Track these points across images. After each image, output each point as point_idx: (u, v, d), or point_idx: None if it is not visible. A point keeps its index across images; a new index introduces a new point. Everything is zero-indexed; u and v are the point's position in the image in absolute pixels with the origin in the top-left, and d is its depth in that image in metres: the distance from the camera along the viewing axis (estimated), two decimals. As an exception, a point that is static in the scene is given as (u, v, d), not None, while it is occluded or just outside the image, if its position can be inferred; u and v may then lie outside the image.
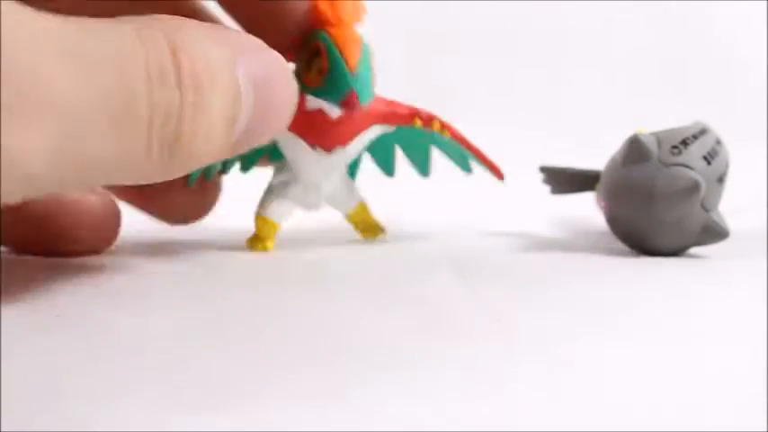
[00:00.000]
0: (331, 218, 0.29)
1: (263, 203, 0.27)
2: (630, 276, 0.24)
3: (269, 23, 0.23)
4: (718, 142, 0.27)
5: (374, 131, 0.26)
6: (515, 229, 0.32)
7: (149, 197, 0.26)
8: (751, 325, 0.18)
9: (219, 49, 0.16)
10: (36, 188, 0.14)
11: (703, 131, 0.26)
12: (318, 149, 0.25)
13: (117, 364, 0.16)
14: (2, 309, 0.19)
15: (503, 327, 0.18)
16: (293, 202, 0.27)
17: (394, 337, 0.17)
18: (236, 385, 0.14)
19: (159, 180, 0.17)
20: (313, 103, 0.24)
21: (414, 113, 0.27)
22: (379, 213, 0.29)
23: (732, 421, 0.13)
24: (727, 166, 0.27)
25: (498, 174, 0.28)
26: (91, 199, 0.24)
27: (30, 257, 0.25)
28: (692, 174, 0.25)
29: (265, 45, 0.18)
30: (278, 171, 0.27)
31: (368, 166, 0.29)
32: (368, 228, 0.28)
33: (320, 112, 0.25)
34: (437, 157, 0.29)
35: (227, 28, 0.18)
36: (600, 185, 0.28)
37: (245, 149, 0.18)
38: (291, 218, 0.27)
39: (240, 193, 0.28)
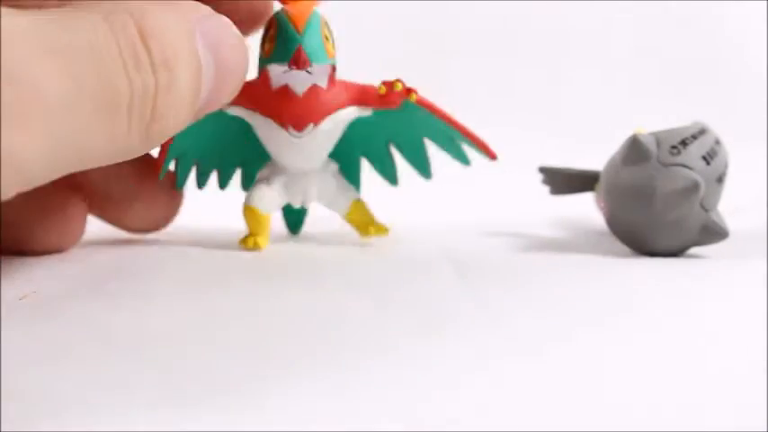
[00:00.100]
0: (331, 218, 0.29)
1: (249, 193, 0.27)
2: (630, 276, 0.24)
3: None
4: (718, 142, 0.27)
5: (349, 113, 0.26)
6: (515, 229, 0.32)
7: (109, 206, 0.26)
8: (751, 325, 0.18)
9: (179, 23, 0.17)
10: (30, 182, 0.15)
11: (702, 131, 0.26)
12: (291, 130, 0.25)
13: (116, 363, 0.16)
14: (2, 309, 0.19)
15: (502, 326, 0.18)
16: (279, 191, 0.27)
17: (394, 337, 0.17)
18: (235, 385, 0.14)
19: (134, 156, 0.17)
20: (277, 80, 0.25)
21: (382, 85, 0.26)
22: (379, 213, 0.29)
23: (732, 421, 0.13)
24: (726, 166, 0.27)
25: (491, 154, 0.28)
26: (56, 197, 0.25)
27: (30, 257, 0.25)
28: (692, 174, 0.25)
29: (212, 10, 0.19)
30: (266, 165, 0.27)
31: (367, 165, 0.29)
32: (367, 226, 0.28)
33: (286, 88, 0.25)
34: (438, 156, 0.29)
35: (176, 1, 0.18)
36: (599, 186, 0.28)
37: (205, 114, 0.19)
38: (278, 208, 0.27)
39: (240, 194, 0.28)
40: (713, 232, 0.25)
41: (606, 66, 0.56)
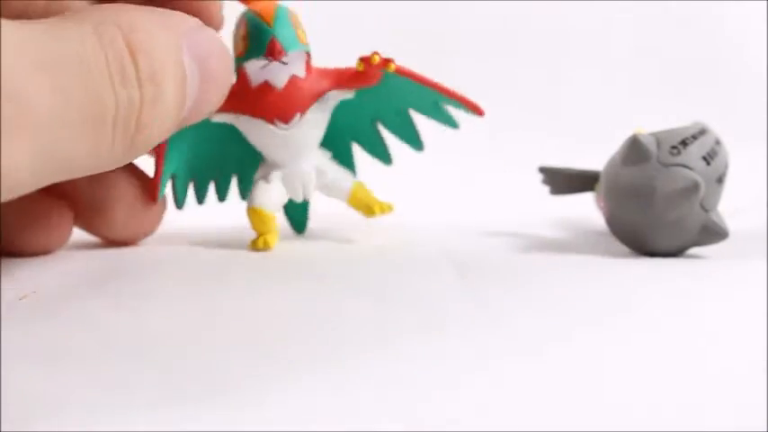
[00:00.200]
0: (332, 218, 0.29)
1: (250, 195, 0.27)
2: (630, 276, 0.24)
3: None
4: (718, 142, 0.27)
5: (332, 98, 0.26)
6: (515, 229, 0.32)
7: (91, 215, 0.26)
8: (751, 325, 0.18)
9: (167, 36, 0.17)
10: (15, 191, 0.15)
11: (702, 132, 0.26)
12: (278, 123, 0.26)
13: (116, 363, 0.16)
14: (2, 309, 0.19)
15: (502, 326, 0.18)
16: (279, 188, 0.27)
17: (394, 337, 0.17)
18: (235, 385, 0.14)
19: (117, 166, 0.18)
20: (256, 77, 0.25)
21: (360, 61, 0.26)
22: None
23: (732, 421, 0.13)
24: (726, 166, 0.27)
25: (477, 110, 0.27)
26: (41, 203, 0.25)
27: (30, 258, 0.25)
28: (692, 174, 0.25)
29: (201, 23, 0.19)
30: (261, 166, 0.27)
31: (364, 162, 0.29)
32: (371, 207, 0.28)
33: (266, 84, 0.25)
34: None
35: (167, 11, 0.18)
36: (599, 186, 0.28)
37: (189, 124, 0.19)
38: (281, 205, 0.27)
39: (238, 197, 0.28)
40: (713, 232, 0.25)
41: (606, 66, 0.56)
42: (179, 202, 0.27)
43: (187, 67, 0.18)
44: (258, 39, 0.24)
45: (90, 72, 0.16)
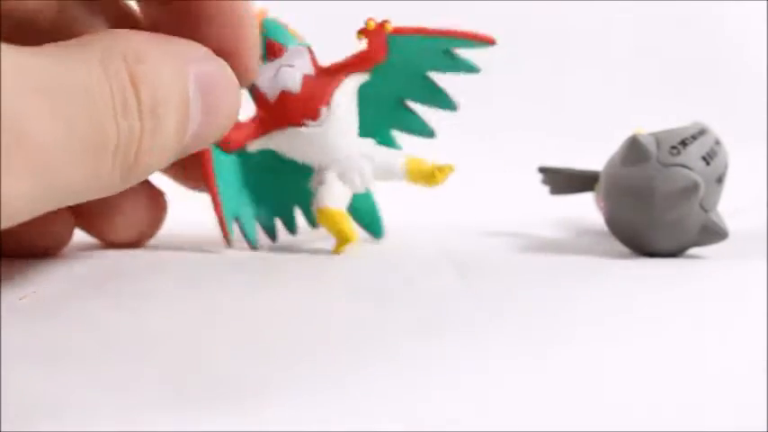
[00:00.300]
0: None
1: (314, 198, 0.27)
2: (629, 277, 0.24)
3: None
4: (717, 143, 0.27)
5: (351, 83, 0.26)
6: (515, 229, 0.32)
7: (92, 218, 0.26)
8: (751, 325, 0.18)
9: (172, 64, 0.17)
10: (13, 220, 0.15)
11: (702, 132, 0.26)
12: (309, 123, 0.26)
13: (116, 363, 0.16)
14: (2, 309, 0.19)
15: (502, 326, 0.18)
16: (338, 185, 0.27)
17: (394, 337, 0.17)
18: (235, 385, 0.14)
19: (114, 193, 0.18)
20: (271, 92, 0.26)
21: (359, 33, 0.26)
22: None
23: (732, 421, 0.13)
24: (726, 166, 0.27)
25: (487, 39, 0.27)
26: None
27: (30, 258, 0.25)
28: (691, 174, 0.25)
29: (210, 52, 0.19)
30: (312, 176, 0.27)
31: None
32: (433, 174, 0.27)
33: (283, 93, 0.26)
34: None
35: (176, 39, 0.18)
36: (599, 186, 0.28)
37: (192, 151, 0.19)
38: (347, 200, 0.27)
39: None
40: (713, 232, 0.25)
41: (606, 66, 0.56)
42: (252, 243, 0.27)
43: (191, 97, 0.18)
44: None
45: (94, 103, 0.16)
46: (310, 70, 0.26)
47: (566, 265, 0.25)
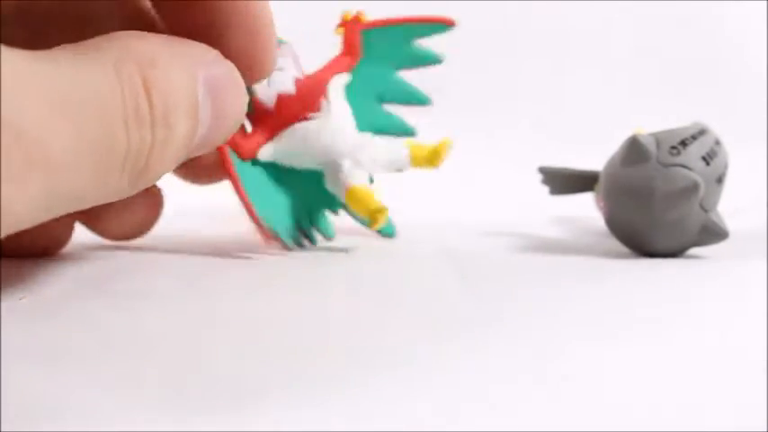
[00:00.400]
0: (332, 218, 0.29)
1: (338, 188, 0.27)
2: (629, 277, 0.24)
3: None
4: (717, 143, 0.27)
5: (339, 81, 0.27)
6: (515, 229, 0.32)
7: (89, 212, 0.26)
8: (751, 325, 0.18)
9: (183, 68, 0.17)
10: (17, 227, 0.15)
11: (702, 132, 0.26)
12: (312, 115, 0.26)
13: (116, 363, 0.16)
14: (2, 309, 0.19)
15: (502, 326, 0.18)
16: (354, 170, 0.27)
17: (393, 337, 0.17)
18: (236, 385, 0.14)
19: (120, 198, 0.17)
20: (268, 98, 0.26)
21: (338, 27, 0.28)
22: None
23: (732, 421, 0.13)
24: (726, 166, 0.27)
25: (446, 21, 0.28)
26: None
27: (30, 258, 0.25)
28: (691, 174, 0.25)
29: (219, 55, 0.19)
30: (326, 175, 0.27)
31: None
32: (438, 154, 0.27)
33: (280, 98, 0.26)
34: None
35: (187, 41, 0.18)
36: (599, 186, 0.28)
37: (198, 154, 0.19)
38: (367, 178, 0.27)
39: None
40: (713, 233, 0.25)
41: (606, 66, 0.56)
42: (295, 244, 0.27)
43: (200, 101, 0.18)
44: None
45: (107, 111, 0.15)
46: (299, 73, 0.27)
47: (566, 265, 0.25)
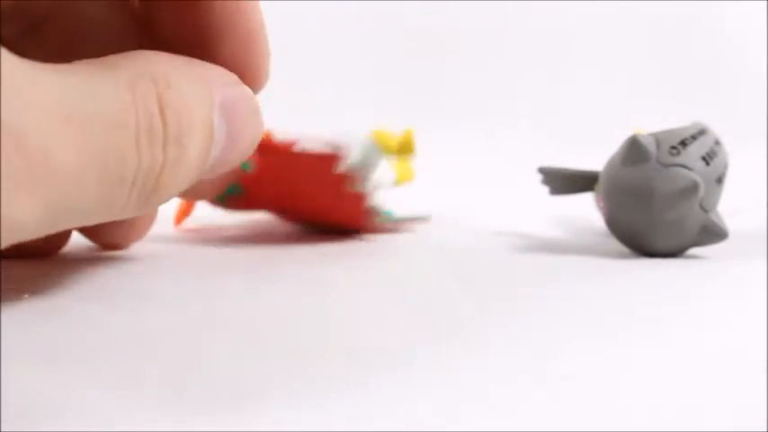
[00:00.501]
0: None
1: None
2: (629, 277, 0.24)
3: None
4: (717, 143, 0.27)
5: None
6: (515, 229, 0.32)
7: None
8: (751, 325, 0.18)
9: (200, 91, 0.17)
10: (20, 238, 0.15)
11: (702, 132, 0.26)
12: None
13: (116, 363, 0.16)
14: (1, 309, 0.19)
15: (502, 327, 0.18)
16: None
17: (393, 337, 0.17)
18: (236, 385, 0.14)
19: (127, 217, 0.17)
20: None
21: None
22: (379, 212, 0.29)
23: (732, 421, 0.13)
24: (725, 166, 0.27)
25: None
26: None
27: (30, 259, 0.25)
28: (691, 174, 0.25)
29: (237, 79, 0.19)
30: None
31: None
32: (407, 144, 0.28)
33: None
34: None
35: (206, 64, 0.18)
36: (599, 186, 0.28)
37: (210, 176, 0.19)
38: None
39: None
40: (713, 233, 0.25)
41: (606, 66, 0.56)
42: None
43: (216, 125, 0.17)
44: None
45: (117, 127, 0.15)
46: None
47: (566, 265, 0.25)
